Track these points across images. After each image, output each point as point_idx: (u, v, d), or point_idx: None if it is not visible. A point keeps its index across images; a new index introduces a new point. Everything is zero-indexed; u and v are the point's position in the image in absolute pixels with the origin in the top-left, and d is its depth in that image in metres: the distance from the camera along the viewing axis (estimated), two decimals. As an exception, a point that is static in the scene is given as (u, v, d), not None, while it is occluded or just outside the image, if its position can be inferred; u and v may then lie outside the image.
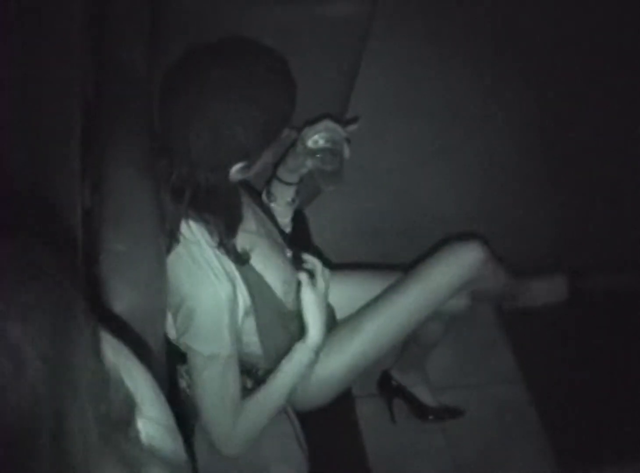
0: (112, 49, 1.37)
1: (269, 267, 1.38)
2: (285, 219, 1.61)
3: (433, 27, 1.70)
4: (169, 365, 1.37)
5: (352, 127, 1.50)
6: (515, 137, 1.96)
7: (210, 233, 1.29)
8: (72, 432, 0.66)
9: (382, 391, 1.93)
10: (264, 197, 1.61)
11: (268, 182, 1.60)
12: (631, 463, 1.86)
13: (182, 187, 1.26)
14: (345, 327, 1.55)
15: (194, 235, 1.28)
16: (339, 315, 1.60)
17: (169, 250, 1.27)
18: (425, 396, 1.91)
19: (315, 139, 1.44)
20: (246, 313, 1.33)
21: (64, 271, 0.67)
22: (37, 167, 1.09)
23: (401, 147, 1.91)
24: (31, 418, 0.62)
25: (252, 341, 1.39)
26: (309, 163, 1.47)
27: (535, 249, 2.17)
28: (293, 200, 1.60)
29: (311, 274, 1.37)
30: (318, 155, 1.45)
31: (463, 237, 1.64)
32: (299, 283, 1.38)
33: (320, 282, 1.37)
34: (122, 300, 1.09)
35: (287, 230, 1.63)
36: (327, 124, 1.44)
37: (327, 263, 1.46)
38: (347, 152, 1.45)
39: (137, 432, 0.78)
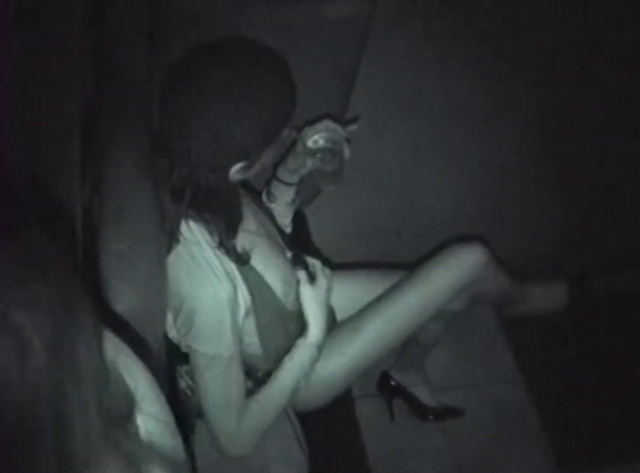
0: (112, 49, 1.37)
1: (269, 267, 1.38)
2: (285, 220, 1.61)
3: (433, 27, 1.70)
4: (169, 365, 1.38)
5: (352, 127, 1.50)
6: (515, 137, 1.96)
7: (210, 233, 1.29)
8: (74, 421, 0.66)
9: (382, 391, 1.93)
10: (264, 197, 1.61)
11: (268, 183, 1.60)
12: (631, 463, 1.86)
13: (182, 187, 1.26)
14: (346, 328, 1.55)
15: (194, 236, 1.28)
16: (340, 315, 1.60)
17: (169, 250, 1.27)
18: (425, 396, 1.91)
19: (315, 139, 1.44)
20: (247, 314, 1.33)
21: (68, 268, 0.68)
22: (38, 167, 1.09)
23: (401, 147, 1.91)
24: (34, 403, 0.62)
25: (252, 342, 1.39)
26: (309, 163, 1.47)
27: (535, 249, 2.17)
28: (293, 201, 1.60)
29: (311, 274, 1.38)
30: (318, 155, 1.45)
31: (464, 239, 1.64)
32: (298, 283, 1.38)
33: (321, 279, 1.37)
34: (122, 300, 1.09)
35: (287, 230, 1.63)
36: (327, 124, 1.44)
37: (328, 264, 1.47)
38: (347, 152, 1.45)
39: (136, 428, 0.78)
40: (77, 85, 1.13)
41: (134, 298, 1.11)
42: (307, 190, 1.64)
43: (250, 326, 1.36)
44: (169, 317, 1.31)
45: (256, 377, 1.44)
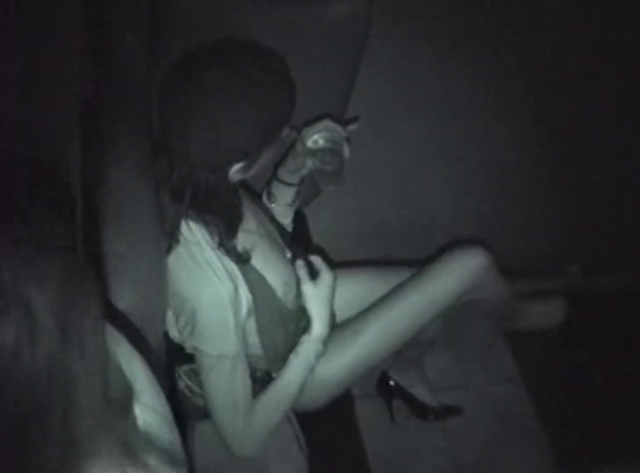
0: (112, 49, 1.37)
1: (270, 267, 1.38)
2: (285, 220, 1.61)
3: (433, 27, 1.70)
4: (169, 365, 1.38)
5: (352, 127, 1.50)
6: (515, 137, 1.96)
7: (211, 233, 1.29)
8: (80, 403, 0.66)
9: (381, 392, 1.93)
10: (264, 197, 1.61)
11: (268, 183, 1.60)
12: (631, 463, 1.86)
13: (182, 187, 1.26)
14: (346, 330, 1.55)
15: (194, 236, 1.28)
16: (342, 313, 1.60)
17: (169, 250, 1.27)
18: (424, 395, 1.90)
19: (315, 138, 1.44)
20: (248, 313, 1.33)
21: (73, 249, 0.69)
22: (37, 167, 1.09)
23: (401, 147, 1.91)
24: (44, 381, 0.63)
25: (252, 341, 1.39)
26: (309, 163, 1.47)
27: (535, 249, 2.17)
28: (293, 201, 1.60)
29: (313, 271, 1.38)
30: (318, 155, 1.45)
31: (466, 242, 1.64)
32: (300, 281, 1.38)
33: (324, 275, 1.37)
34: (122, 300, 1.09)
35: (287, 230, 1.63)
36: (327, 124, 1.44)
37: (329, 262, 1.46)
38: (347, 152, 1.45)
39: (134, 418, 0.78)
40: (77, 85, 1.13)
41: (134, 298, 1.11)
42: (307, 190, 1.64)
43: (250, 326, 1.36)
44: (171, 317, 1.31)
45: (255, 377, 1.44)
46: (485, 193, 2.07)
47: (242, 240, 1.33)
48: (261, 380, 1.41)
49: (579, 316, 2.02)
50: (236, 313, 1.28)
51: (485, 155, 1.98)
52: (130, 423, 0.77)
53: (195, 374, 1.38)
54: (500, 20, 1.71)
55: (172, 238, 1.27)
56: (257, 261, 1.34)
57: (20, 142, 1.05)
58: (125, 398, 0.78)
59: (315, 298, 1.36)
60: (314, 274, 1.39)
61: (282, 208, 1.59)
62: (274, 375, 1.42)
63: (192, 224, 1.28)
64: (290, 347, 1.39)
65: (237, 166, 1.26)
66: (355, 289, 1.63)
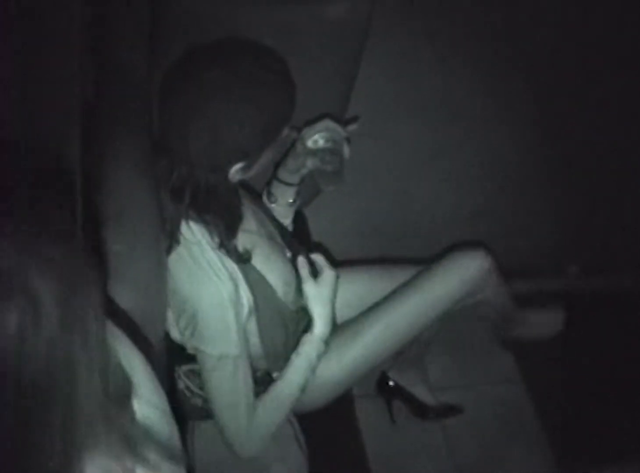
0: (112, 49, 1.37)
1: (270, 267, 1.38)
2: (285, 220, 1.61)
3: (433, 27, 1.70)
4: (169, 365, 1.38)
5: (352, 127, 1.50)
6: (515, 137, 1.96)
7: (211, 233, 1.29)
8: (81, 391, 0.66)
9: (380, 392, 1.93)
10: (264, 197, 1.61)
11: (268, 183, 1.60)
12: (631, 463, 1.86)
13: (182, 187, 1.26)
14: (346, 331, 1.55)
15: (195, 236, 1.28)
16: (343, 313, 1.59)
17: (169, 251, 1.27)
18: (424, 395, 1.90)
19: (315, 138, 1.44)
20: (249, 313, 1.33)
21: (74, 236, 0.70)
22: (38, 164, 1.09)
23: (401, 147, 1.91)
24: (48, 367, 0.63)
25: (253, 342, 1.39)
26: (309, 163, 1.47)
27: (535, 249, 2.17)
28: (294, 201, 1.60)
29: (314, 270, 1.38)
30: (318, 155, 1.45)
31: (467, 246, 1.64)
32: (301, 280, 1.38)
33: (325, 274, 1.37)
34: (122, 300, 1.09)
35: (288, 231, 1.63)
36: (327, 124, 1.44)
37: (331, 261, 1.46)
38: (347, 152, 1.45)
39: (133, 412, 0.78)
40: (77, 85, 1.13)
41: (134, 298, 1.11)
42: (307, 190, 1.64)
43: (251, 326, 1.36)
44: (171, 318, 1.31)
45: (256, 377, 1.43)
46: (485, 193, 2.07)
47: (243, 240, 1.33)
48: (261, 381, 1.41)
49: (579, 316, 2.03)
50: (237, 313, 1.28)
51: (485, 155, 1.98)
52: (129, 417, 0.77)
53: (194, 374, 1.38)
54: (500, 20, 1.71)
55: (172, 238, 1.27)
56: (257, 261, 1.34)
57: (20, 142, 1.05)
58: (124, 391, 0.78)
59: (317, 297, 1.36)
60: (315, 273, 1.39)
61: (282, 208, 1.59)
62: (274, 375, 1.42)
63: (193, 224, 1.28)
64: (291, 347, 1.39)
65: (237, 166, 1.26)
66: (356, 289, 1.64)
